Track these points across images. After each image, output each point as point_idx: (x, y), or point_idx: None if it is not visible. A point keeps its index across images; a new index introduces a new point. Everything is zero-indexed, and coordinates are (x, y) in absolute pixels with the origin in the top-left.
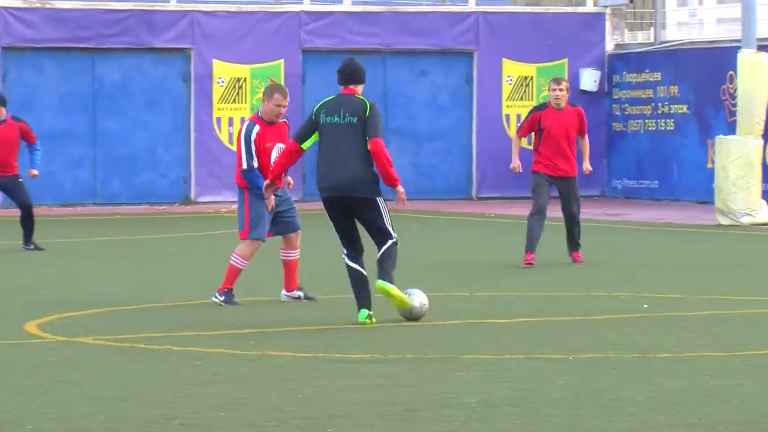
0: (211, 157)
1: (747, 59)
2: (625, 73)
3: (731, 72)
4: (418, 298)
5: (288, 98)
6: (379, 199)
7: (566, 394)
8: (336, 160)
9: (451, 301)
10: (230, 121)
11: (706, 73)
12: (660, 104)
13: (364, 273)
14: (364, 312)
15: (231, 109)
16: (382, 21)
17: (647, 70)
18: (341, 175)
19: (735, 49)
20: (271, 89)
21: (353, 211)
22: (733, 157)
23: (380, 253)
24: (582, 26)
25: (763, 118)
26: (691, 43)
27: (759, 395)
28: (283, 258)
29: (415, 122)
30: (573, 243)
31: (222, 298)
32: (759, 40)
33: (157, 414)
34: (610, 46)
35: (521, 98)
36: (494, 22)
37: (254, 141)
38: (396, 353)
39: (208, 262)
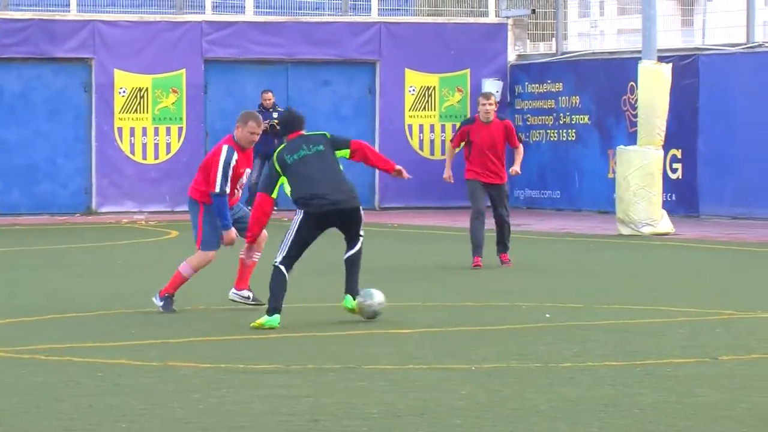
0: (112, 167)
1: (647, 70)
2: (527, 83)
3: (632, 83)
4: (377, 299)
5: (261, 127)
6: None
7: (469, 403)
8: (325, 179)
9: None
10: (132, 131)
11: (607, 83)
12: (562, 115)
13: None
14: (277, 318)
15: (132, 119)
16: (285, 31)
17: (549, 81)
18: (339, 189)
19: (635, 60)
20: (245, 117)
21: (345, 220)
22: (634, 167)
23: (352, 252)
24: (484, 37)
25: (663, 128)
26: (593, 53)
27: (658, 404)
28: (244, 257)
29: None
30: (502, 244)
31: (161, 304)
32: (659, 51)
33: (57, 426)
34: (512, 57)
35: (424, 108)
36: (397, 33)
37: (233, 167)
38: (298, 364)
39: (110, 272)
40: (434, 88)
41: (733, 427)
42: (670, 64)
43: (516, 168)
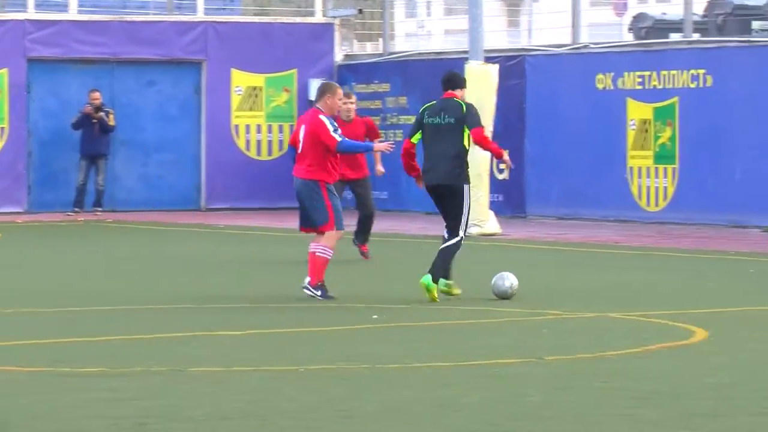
0: None
1: (474, 71)
2: (354, 83)
3: None
4: (510, 280)
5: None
6: (466, 187)
7: (297, 405)
8: (434, 154)
9: (180, 313)
10: None
11: (435, 84)
12: (389, 115)
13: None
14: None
15: None
16: (110, 30)
17: (376, 81)
18: (438, 166)
19: (462, 61)
20: (330, 87)
21: (443, 197)
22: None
23: (447, 244)
24: (311, 37)
25: (490, 129)
26: (420, 54)
27: (486, 405)
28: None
29: (143, 133)
30: (363, 234)
31: (319, 293)
32: (486, 51)
33: None
34: (339, 57)
35: (250, 108)
36: (223, 32)
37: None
38: (124, 367)
39: None
40: (261, 88)
41: (558, 426)
42: (497, 65)
43: (380, 167)
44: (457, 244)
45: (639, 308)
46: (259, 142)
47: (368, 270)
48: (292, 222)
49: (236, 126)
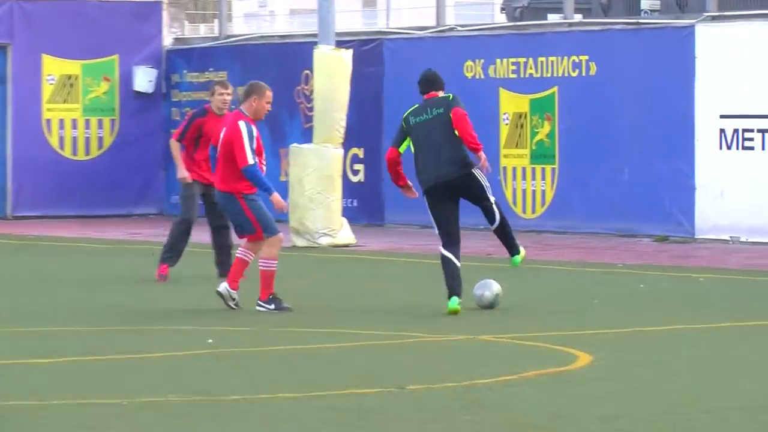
0: None
1: (324, 56)
2: (185, 71)
3: (307, 71)
4: (494, 289)
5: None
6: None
7: None
8: (429, 150)
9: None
10: None
11: (279, 72)
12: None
13: (457, 263)
14: (456, 299)
15: None
16: None
17: (211, 69)
18: (439, 161)
19: (311, 45)
20: (259, 87)
21: (459, 190)
22: (309, 168)
23: (495, 225)
24: (135, 18)
25: (343, 124)
26: (262, 37)
27: None
28: (240, 256)
29: None
30: (227, 258)
31: (272, 306)
32: (338, 34)
33: None
34: (168, 41)
35: (65, 100)
36: (32, 12)
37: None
38: None
39: None
40: (77, 77)
41: None
42: (351, 50)
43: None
44: (503, 216)
45: (513, 329)
46: (75, 140)
47: (200, 286)
48: (114, 232)
49: (48, 120)
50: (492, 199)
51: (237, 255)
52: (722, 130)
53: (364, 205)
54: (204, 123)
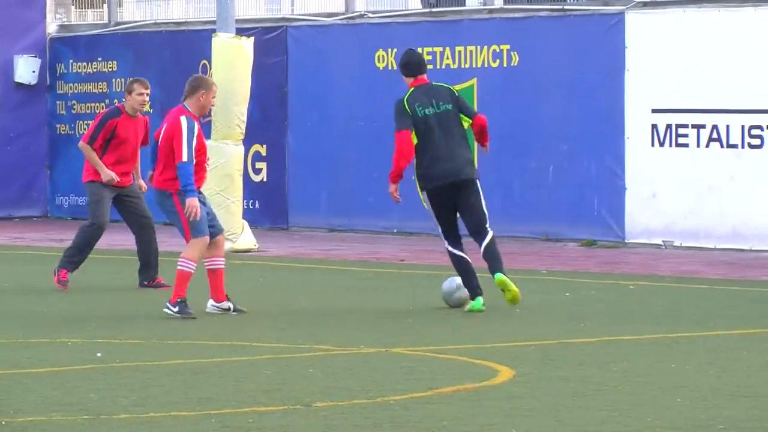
0: None
1: (223, 45)
2: (72, 61)
3: (205, 61)
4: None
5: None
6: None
7: None
8: (441, 148)
9: None
10: None
11: (175, 62)
12: (117, 101)
13: (469, 258)
14: (480, 300)
15: None
16: None
17: (100, 58)
18: (451, 158)
19: (209, 33)
20: (202, 82)
21: (458, 193)
22: (208, 167)
23: (484, 245)
24: (15, 2)
25: (244, 119)
26: (155, 24)
27: None
28: (209, 267)
29: None
30: (152, 268)
31: (176, 310)
32: (238, 21)
33: None
34: (52, 28)
35: None
36: None
37: (196, 136)
38: None
39: None
40: None
41: None
42: (252, 39)
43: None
44: (493, 237)
45: (429, 342)
46: None
47: (89, 295)
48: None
49: None
50: (486, 213)
51: (180, 268)
52: (654, 126)
53: (266, 206)
54: (117, 124)
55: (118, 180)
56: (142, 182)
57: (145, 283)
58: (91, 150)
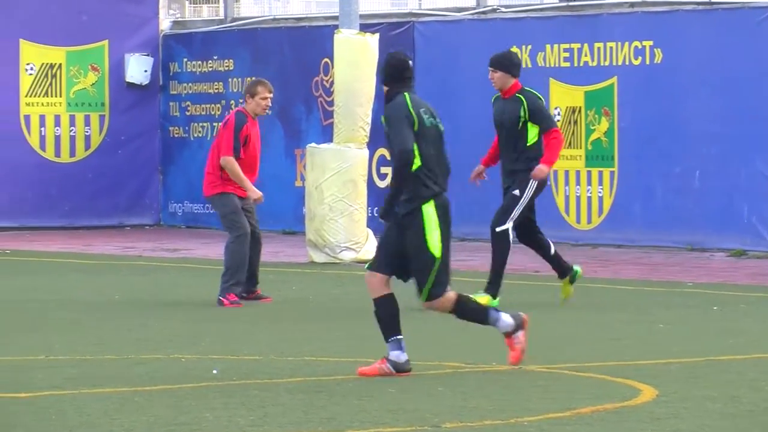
0: None
1: (346, 42)
2: (186, 60)
3: (326, 59)
4: None
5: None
6: None
7: None
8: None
9: None
10: None
11: (294, 60)
12: (234, 102)
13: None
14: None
15: None
16: None
17: (216, 57)
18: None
19: (331, 29)
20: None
21: None
22: (329, 172)
23: None
24: None
25: (369, 120)
26: (274, 20)
27: None
28: None
29: None
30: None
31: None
32: (363, 17)
33: None
34: (165, 25)
35: (46, 93)
36: None
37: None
38: None
39: None
40: (60, 66)
41: None
42: (377, 35)
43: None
44: None
45: (565, 359)
46: (58, 139)
47: (206, 309)
48: (103, 245)
49: (27, 117)
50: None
51: None
52: None
53: None
54: (248, 129)
55: (262, 201)
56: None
57: (244, 295)
58: (236, 164)
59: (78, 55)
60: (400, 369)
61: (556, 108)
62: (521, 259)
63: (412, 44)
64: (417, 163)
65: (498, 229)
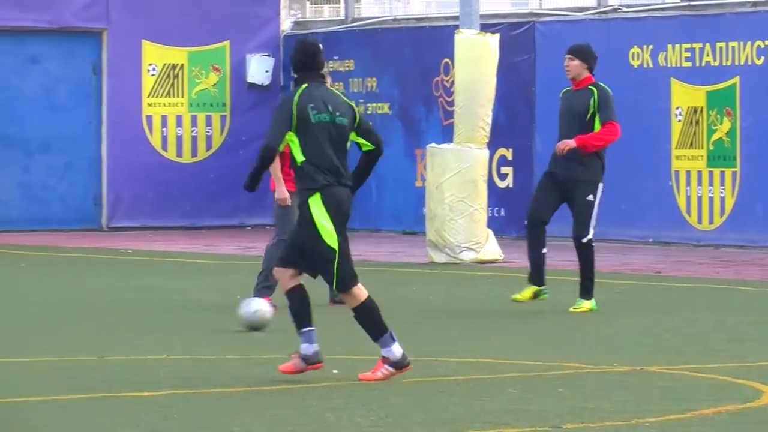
0: None
1: (467, 42)
2: None
3: (447, 59)
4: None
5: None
6: None
7: None
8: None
9: (74, 369)
10: None
11: (414, 60)
12: (354, 102)
13: None
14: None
15: None
16: None
17: (336, 57)
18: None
19: (452, 29)
20: None
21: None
22: (449, 172)
23: None
24: None
25: (489, 120)
26: (395, 21)
27: None
28: None
29: (23, 126)
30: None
31: None
32: (483, 17)
33: None
34: (286, 25)
35: (168, 94)
36: None
37: None
38: None
39: None
40: (182, 66)
41: None
42: (498, 35)
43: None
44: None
45: (686, 359)
46: (179, 139)
47: (323, 308)
48: (225, 245)
49: (149, 117)
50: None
51: None
52: None
53: (513, 214)
54: None
55: (288, 203)
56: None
57: (336, 299)
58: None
59: (200, 56)
60: (310, 362)
61: (677, 108)
62: (645, 260)
63: (532, 44)
64: (300, 157)
65: (584, 240)
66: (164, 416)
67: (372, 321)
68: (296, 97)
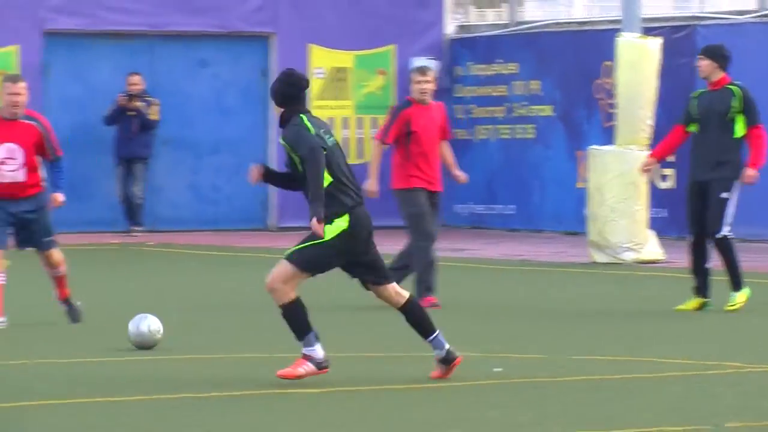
0: None
1: (628, 46)
2: (470, 63)
3: (608, 62)
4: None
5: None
6: None
7: None
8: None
9: (249, 366)
10: None
11: (576, 63)
12: (517, 105)
13: None
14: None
15: None
16: None
17: (500, 60)
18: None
19: (613, 33)
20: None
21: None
22: (611, 174)
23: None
24: (414, 2)
25: (650, 122)
26: (557, 24)
27: None
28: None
29: (193, 129)
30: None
31: None
32: (645, 20)
33: None
34: (450, 29)
35: (335, 97)
36: None
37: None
38: None
39: None
40: (348, 70)
41: None
42: (659, 39)
43: (460, 172)
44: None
45: None
46: (346, 140)
47: (489, 307)
48: (391, 244)
49: None
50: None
51: None
52: None
53: (674, 215)
54: (410, 115)
55: (375, 194)
56: (459, 172)
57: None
58: (376, 149)
59: (366, 59)
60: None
61: None
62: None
63: (693, 48)
64: (328, 179)
65: (718, 236)
66: (331, 410)
67: (298, 320)
68: (308, 125)
